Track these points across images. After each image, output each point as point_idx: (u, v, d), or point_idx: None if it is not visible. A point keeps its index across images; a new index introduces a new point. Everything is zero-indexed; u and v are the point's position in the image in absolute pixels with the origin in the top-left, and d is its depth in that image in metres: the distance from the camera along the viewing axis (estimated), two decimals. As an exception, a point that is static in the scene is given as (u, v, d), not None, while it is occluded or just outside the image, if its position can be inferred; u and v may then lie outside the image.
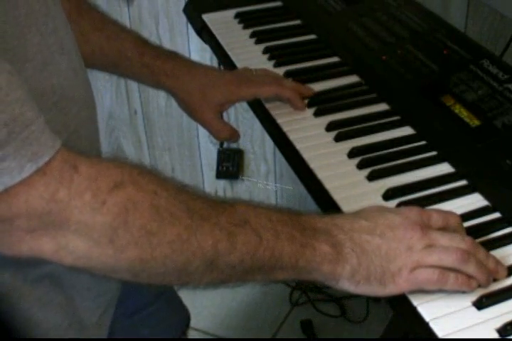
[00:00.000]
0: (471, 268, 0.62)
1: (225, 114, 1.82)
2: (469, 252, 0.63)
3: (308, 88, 0.96)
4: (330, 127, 0.88)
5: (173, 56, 0.97)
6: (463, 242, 0.64)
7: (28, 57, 0.59)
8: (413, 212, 0.66)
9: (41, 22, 0.62)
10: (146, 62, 0.94)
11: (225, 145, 1.91)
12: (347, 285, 0.63)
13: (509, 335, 0.59)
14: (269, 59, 1.05)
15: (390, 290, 0.63)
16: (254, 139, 1.86)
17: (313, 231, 0.63)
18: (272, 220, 0.61)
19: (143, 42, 0.95)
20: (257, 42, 1.09)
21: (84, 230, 0.53)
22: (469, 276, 0.63)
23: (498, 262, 0.65)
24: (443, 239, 0.64)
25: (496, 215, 0.73)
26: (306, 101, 0.94)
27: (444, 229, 0.66)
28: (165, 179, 0.58)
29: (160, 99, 1.91)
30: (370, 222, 0.64)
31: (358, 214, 0.66)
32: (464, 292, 0.63)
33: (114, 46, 0.92)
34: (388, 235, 0.63)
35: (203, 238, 0.56)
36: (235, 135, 0.99)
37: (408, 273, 0.62)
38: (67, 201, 0.52)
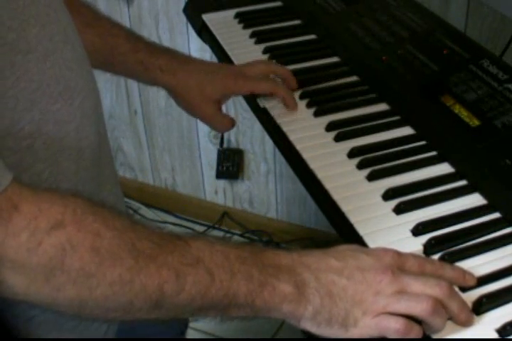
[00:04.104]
0: (436, 321, 0.59)
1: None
2: (442, 300, 0.59)
3: (294, 81, 0.96)
4: (330, 127, 0.88)
5: (168, 51, 0.96)
6: (437, 288, 0.60)
7: (29, 49, 0.59)
8: (388, 254, 0.63)
9: (42, 13, 0.62)
10: (140, 58, 0.93)
11: (225, 145, 1.91)
12: (309, 326, 0.60)
13: (509, 335, 0.59)
14: (269, 59, 1.05)
15: (352, 333, 0.60)
16: (254, 139, 1.86)
17: (275, 268, 0.60)
18: (229, 258, 0.58)
19: (136, 38, 0.95)
20: (257, 42, 1.09)
21: (19, 269, 0.52)
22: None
23: (468, 310, 0.61)
24: (415, 285, 0.60)
25: (496, 215, 0.73)
26: (306, 101, 0.94)
27: (420, 273, 0.62)
28: (114, 216, 0.56)
29: (160, 99, 1.91)
30: (339, 262, 0.61)
31: (329, 252, 0.63)
32: None
33: (107, 42, 0.91)
34: (357, 277, 0.60)
35: (148, 279, 0.55)
36: (234, 124, 1.00)
37: (371, 319, 0.59)
38: (2, 240, 0.51)
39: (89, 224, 0.54)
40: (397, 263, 0.62)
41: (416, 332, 0.59)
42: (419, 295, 0.60)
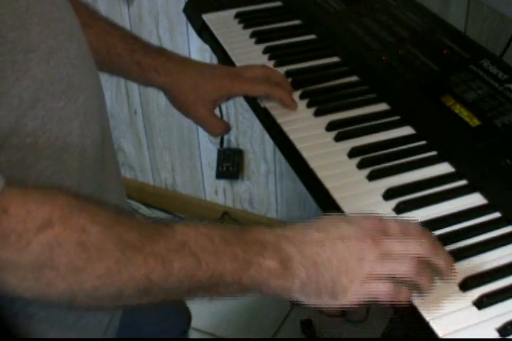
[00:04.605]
0: (422, 281, 0.61)
1: (225, 114, 1.82)
2: (426, 258, 0.61)
3: (289, 86, 0.96)
4: (330, 127, 0.88)
5: (164, 52, 0.97)
6: (420, 247, 0.61)
7: (31, 48, 0.60)
8: (368, 221, 0.64)
9: (47, 10, 0.62)
10: (137, 59, 0.93)
11: (225, 145, 1.91)
12: (299, 297, 0.62)
13: (509, 335, 0.59)
14: (269, 59, 1.05)
15: (341, 302, 0.61)
16: (254, 139, 1.86)
17: (259, 246, 0.61)
18: (213, 240, 0.59)
19: (133, 39, 0.95)
20: (257, 42, 1.09)
21: (10, 268, 0.53)
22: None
23: (452, 263, 0.63)
24: (397, 246, 0.61)
25: (496, 215, 0.73)
26: (306, 101, 0.94)
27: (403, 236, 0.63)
28: (100, 210, 0.57)
29: (160, 99, 1.91)
30: (321, 233, 0.62)
31: (312, 224, 0.64)
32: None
33: (104, 43, 0.92)
34: (339, 247, 0.61)
35: (135, 269, 0.56)
36: (228, 129, 1.00)
37: (359, 285, 0.61)
38: None
39: (76, 221, 0.55)
40: (379, 228, 0.63)
41: (405, 294, 0.61)
42: (402, 257, 0.61)
